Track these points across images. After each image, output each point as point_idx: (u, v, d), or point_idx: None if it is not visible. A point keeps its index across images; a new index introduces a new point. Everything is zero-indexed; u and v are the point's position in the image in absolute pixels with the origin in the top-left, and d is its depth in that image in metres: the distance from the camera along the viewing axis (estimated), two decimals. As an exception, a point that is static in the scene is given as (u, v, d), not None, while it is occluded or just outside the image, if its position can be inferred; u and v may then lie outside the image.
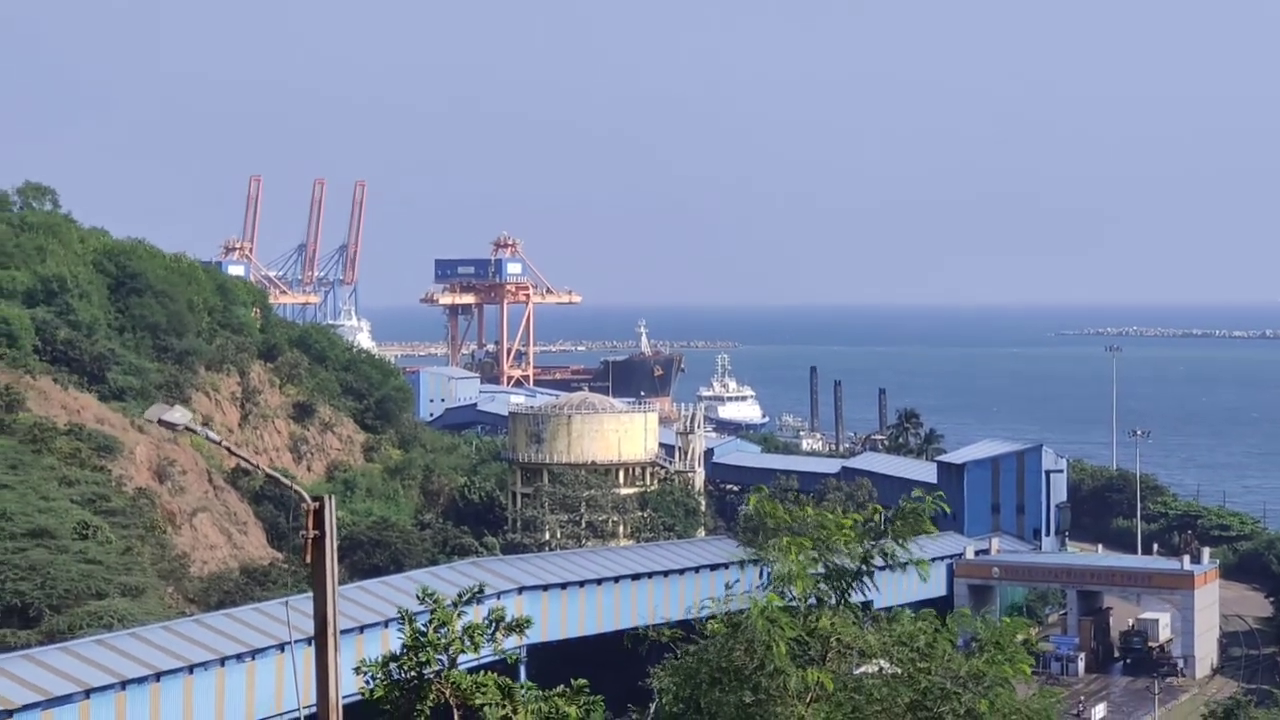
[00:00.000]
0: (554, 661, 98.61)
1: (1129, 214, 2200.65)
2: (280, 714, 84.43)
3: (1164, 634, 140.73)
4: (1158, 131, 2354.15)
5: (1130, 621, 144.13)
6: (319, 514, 19.89)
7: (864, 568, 23.84)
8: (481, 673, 25.33)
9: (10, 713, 71.16)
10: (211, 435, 21.24)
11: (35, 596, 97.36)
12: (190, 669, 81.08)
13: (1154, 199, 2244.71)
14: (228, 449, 20.86)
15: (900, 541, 24.29)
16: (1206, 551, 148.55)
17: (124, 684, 77.35)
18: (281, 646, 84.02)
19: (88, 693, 75.49)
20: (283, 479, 21.38)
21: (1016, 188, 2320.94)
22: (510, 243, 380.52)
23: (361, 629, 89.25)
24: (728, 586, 23.72)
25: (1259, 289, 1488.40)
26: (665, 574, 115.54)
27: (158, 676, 79.27)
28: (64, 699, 74.32)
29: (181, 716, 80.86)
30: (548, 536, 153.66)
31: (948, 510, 26.28)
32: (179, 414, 20.12)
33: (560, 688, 25.73)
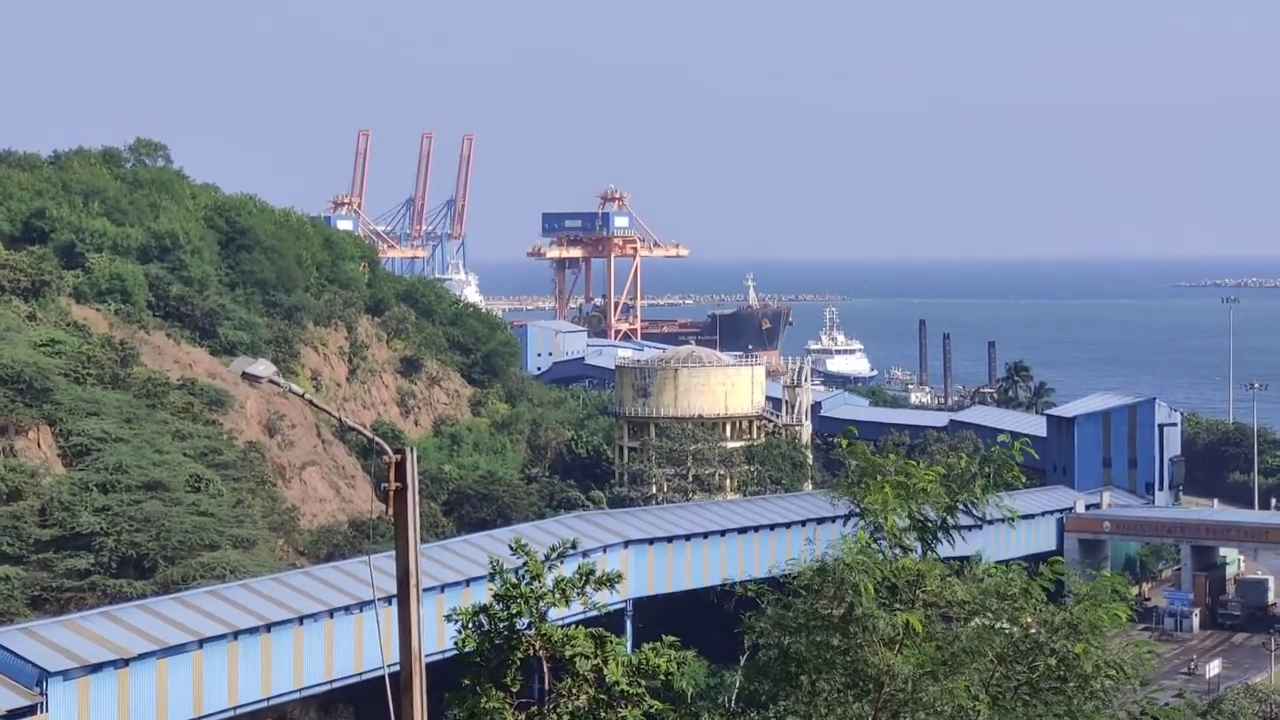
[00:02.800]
0: (660, 614, 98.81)
1: (1243, 163, 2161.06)
2: (385, 666, 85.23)
3: (1272, 595, 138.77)
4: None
5: (1230, 586, 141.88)
6: (400, 466, 19.80)
7: (948, 519, 23.45)
8: (574, 626, 25.33)
9: (126, 661, 72.43)
10: (295, 389, 21.23)
11: (150, 548, 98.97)
12: (300, 620, 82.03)
13: (1269, 146, 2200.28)
14: (310, 401, 20.82)
15: (985, 492, 23.86)
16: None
17: (236, 634, 78.48)
18: (391, 599, 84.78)
19: (201, 643, 76.67)
20: (364, 430, 21.34)
21: (1135, 134, 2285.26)
22: (617, 196, 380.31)
23: (468, 582, 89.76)
24: (807, 541, 23.52)
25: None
26: (771, 528, 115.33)
27: (269, 627, 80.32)
28: (178, 648, 75.53)
29: (292, 666, 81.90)
30: (654, 490, 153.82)
31: (1035, 455, 25.81)
32: (262, 367, 20.10)
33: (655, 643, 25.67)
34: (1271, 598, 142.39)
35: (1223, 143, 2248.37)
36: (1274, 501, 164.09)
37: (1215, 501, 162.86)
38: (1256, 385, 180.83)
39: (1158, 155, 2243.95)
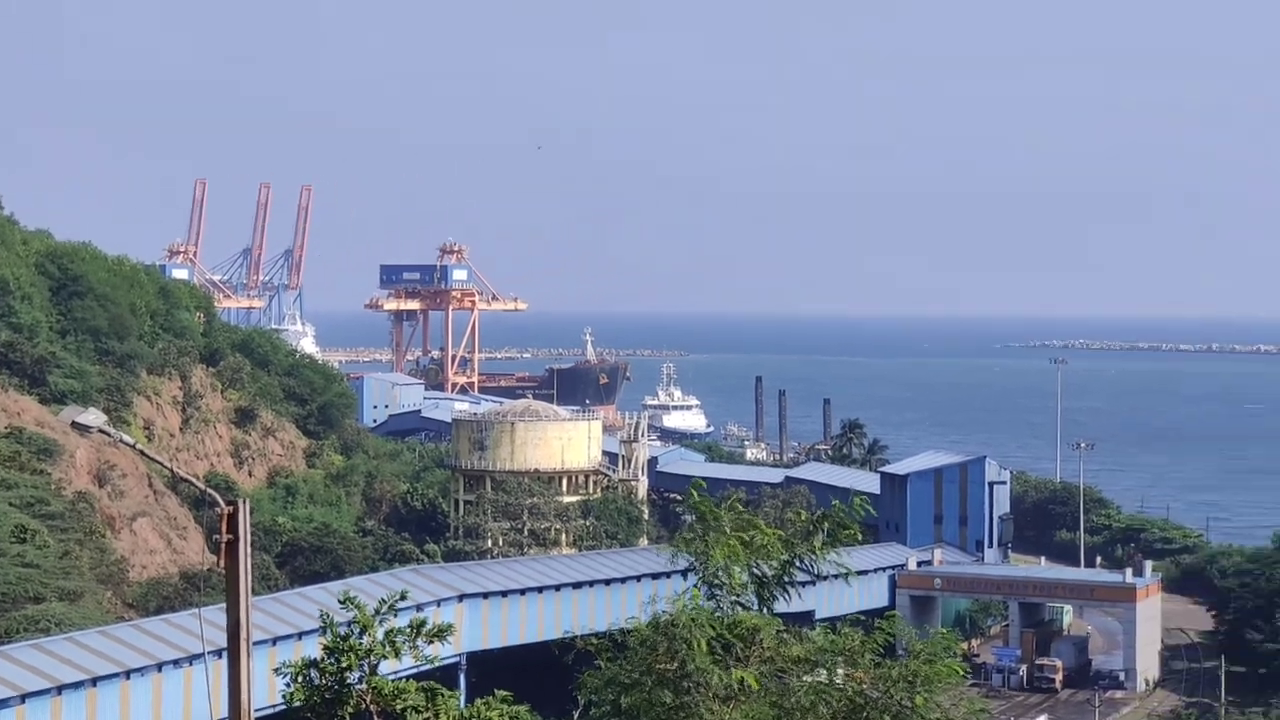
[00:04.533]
0: (495, 668, 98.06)
1: (1075, 228, 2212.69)
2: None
3: (1076, 661, 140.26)
4: (1106, 143, 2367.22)
5: (1039, 652, 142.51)
6: (232, 518, 19.45)
7: (785, 576, 23.56)
8: (406, 680, 25.06)
9: (-56, 717, 70.32)
10: (126, 438, 20.77)
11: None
12: (127, 674, 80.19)
13: (1100, 213, 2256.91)
14: (141, 451, 20.40)
15: (821, 549, 24.02)
16: (1149, 565, 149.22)
17: (60, 689, 76.45)
18: (221, 653, 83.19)
19: (23, 697, 74.58)
20: (196, 482, 20.95)
21: (962, 202, 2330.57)
22: (456, 249, 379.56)
23: (300, 635, 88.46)
24: (649, 598, 23.48)
25: (1206, 303, 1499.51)
26: (607, 582, 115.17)
27: (94, 681, 78.37)
28: (-2, 704, 73.41)
29: (116, 723, 79.94)
30: (490, 544, 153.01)
31: (873, 513, 26.06)
32: (92, 416, 19.65)
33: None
34: (1094, 654, 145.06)
35: (1048, 208, 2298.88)
36: (1099, 559, 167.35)
37: (1042, 559, 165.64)
38: (1083, 445, 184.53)
39: (984, 218, 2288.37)
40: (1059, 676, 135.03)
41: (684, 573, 24.69)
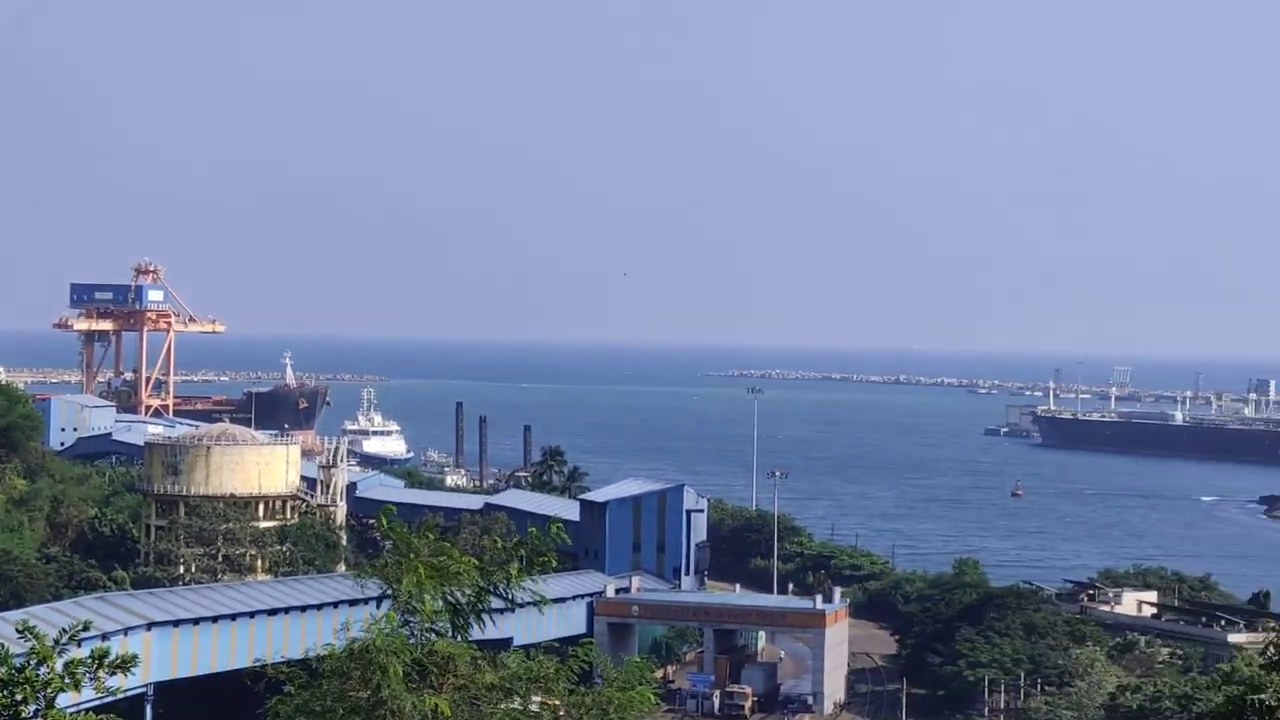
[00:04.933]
0: (186, 699, 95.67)
1: (765, 257, 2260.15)
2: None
3: (765, 686, 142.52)
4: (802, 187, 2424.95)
5: (732, 678, 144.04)
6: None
7: (481, 603, 23.42)
8: (87, 713, 24.16)
9: None
10: None
11: None
12: None
13: (780, 246, 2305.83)
14: None
15: (518, 576, 23.94)
16: (838, 591, 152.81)
17: None
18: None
19: None
20: None
21: (667, 230, 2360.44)
22: (152, 269, 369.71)
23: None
24: (341, 625, 23.13)
25: (892, 337, 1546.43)
26: (303, 609, 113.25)
27: None
28: None
29: None
30: (182, 570, 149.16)
31: (568, 540, 26.11)
32: None
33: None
34: (785, 678, 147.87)
35: (745, 240, 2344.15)
36: (791, 586, 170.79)
37: (737, 586, 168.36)
38: (777, 474, 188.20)
39: (681, 251, 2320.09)
40: (748, 703, 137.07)
41: (379, 599, 24.34)
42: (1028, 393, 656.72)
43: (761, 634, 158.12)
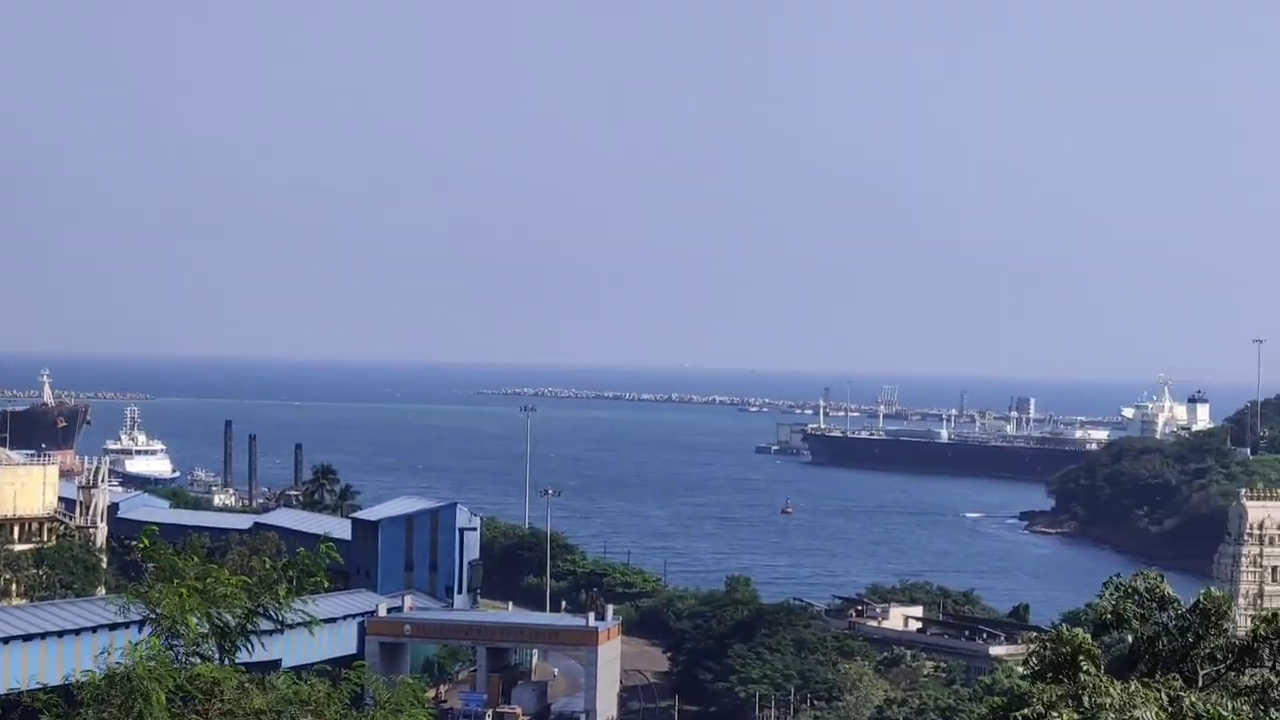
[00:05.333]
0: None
1: (540, 280, 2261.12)
2: None
3: (535, 706, 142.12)
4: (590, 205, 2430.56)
5: (505, 696, 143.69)
6: None
7: (249, 625, 22.84)
8: None
9: None
10: None
11: None
12: None
13: (552, 264, 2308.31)
14: None
15: (287, 597, 23.40)
16: (610, 608, 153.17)
17: None
18: None
19: None
20: None
21: (452, 251, 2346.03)
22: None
23: None
24: (108, 650, 22.38)
25: (664, 356, 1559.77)
26: (60, 634, 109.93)
27: None
28: None
29: None
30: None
31: (340, 560, 25.62)
32: None
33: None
34: (558, 696, 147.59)
35: (516, 259, 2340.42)
36: (564, 604, 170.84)
37: (510, 604, 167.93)
38: (550, 492, 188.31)
39: (453, 271, 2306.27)
40: None
41: (141, 624, 23.58)
42: (798, 411, 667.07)
43: (535, 652, 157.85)
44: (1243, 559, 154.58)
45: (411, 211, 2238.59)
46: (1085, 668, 23.90)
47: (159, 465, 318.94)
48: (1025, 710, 23.48)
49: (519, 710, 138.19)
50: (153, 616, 22.81)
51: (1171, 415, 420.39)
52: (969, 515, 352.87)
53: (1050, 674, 25.05)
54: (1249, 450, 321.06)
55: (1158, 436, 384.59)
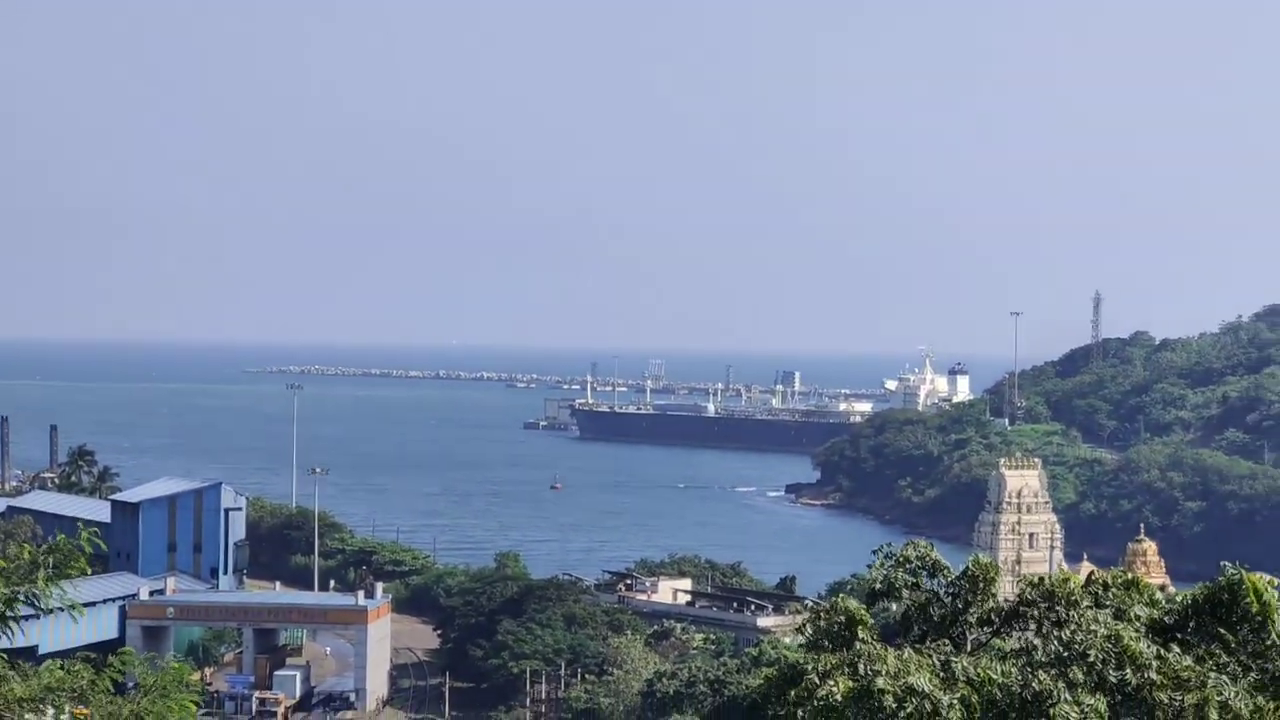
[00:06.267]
0: None
1: (304, 255, 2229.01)
2: None
3: (299, 690, 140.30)
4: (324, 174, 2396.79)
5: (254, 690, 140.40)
6: None
7: (9, 612, 21.97)
8: None
9: None
10: None
11: None
12: None
13: (319, 240, 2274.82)
14: None
15: (45, 584, 22.56)
16: (380, 586, 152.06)
17: None
18: None
19: None
20: None
21: (213, 230, 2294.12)
22: None
23: None
24: None
25: (433, 333, 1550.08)
26: None
27: None
28: None
29: None
30: None
31: (104, 546, 24.83)
32: None
33: None
34: (328, 675, 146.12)
35: (280, 236, 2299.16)
36: (332, 583, 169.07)
37: (277, 584, 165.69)
38: (318, 470, 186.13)
39: (214, 247, 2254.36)
40: (281, 709, 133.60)
41: None
42: (565, 386, 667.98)
43: (304, 632, 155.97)
44: (1002, 526, 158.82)
45: (199, 190, 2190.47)
46: (860, 636, 24.18)
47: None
48: (803, 681, 23.66)
49: (281, 697, 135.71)
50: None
51: (933, 387, 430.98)
52: (736, 489, 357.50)
53: (825, 644, 25.29)
54: (1007, 421, 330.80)
55: (920, 408, 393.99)
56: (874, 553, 27.62)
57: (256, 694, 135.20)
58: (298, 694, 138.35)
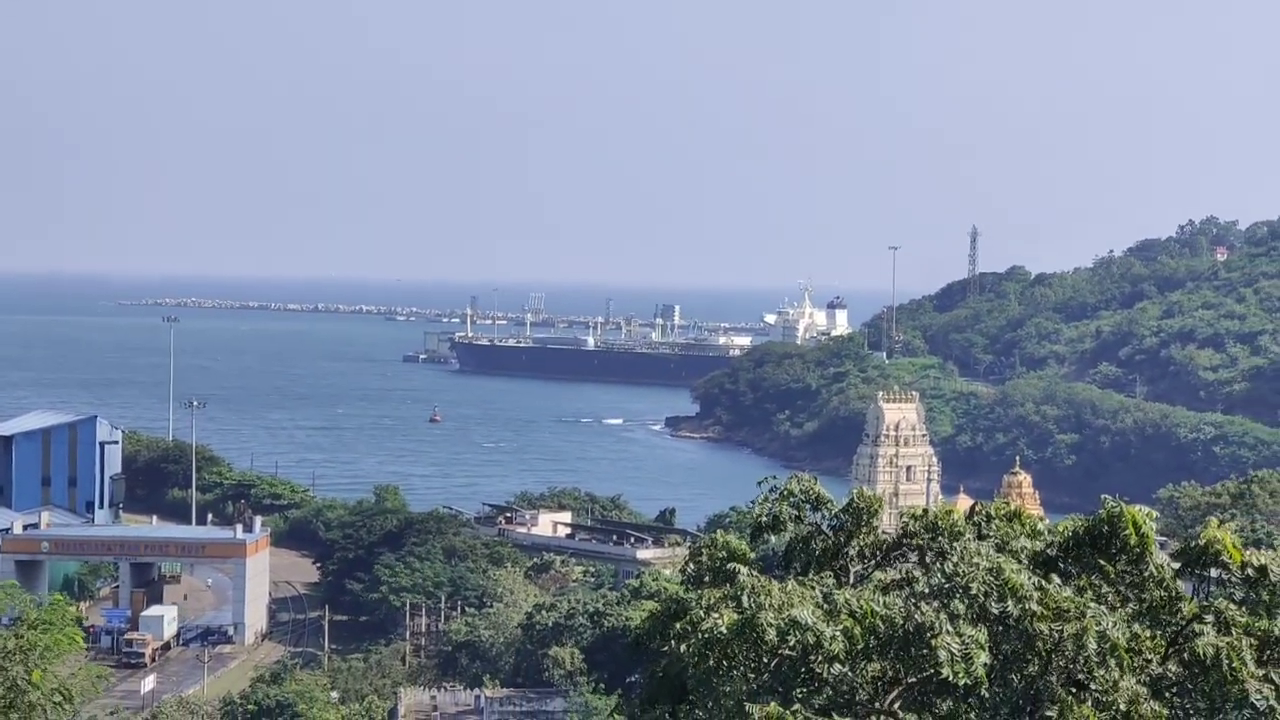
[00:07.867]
0: None
1: (174, 185, 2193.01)
2: None
3: (168, 630, 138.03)
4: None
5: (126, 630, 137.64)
6: None
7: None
8: None
9: None
10: None
11: None
12: None
13: (185, 169, 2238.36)
14: None
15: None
16: (259, 520, 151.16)
17: None
18: None
19: None
20: None
21: (67, 151, 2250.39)
22: None
23: None
24: None
25: (311, 265, 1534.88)
26: None
27: None
28: None
29: None
30: None
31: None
32: None
33: None
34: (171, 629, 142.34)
35: (143, 163, 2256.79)
36: (210, 516, 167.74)
37: (154, 518, 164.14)
38: (195, 403, 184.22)
39: (62, 170, 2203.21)
40: (149, 650, 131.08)
41: None
42: (445, 319, 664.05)
43: (181, 565, 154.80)
44: (879, 459, 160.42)
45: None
46: (743, 570, 24.36)
47: None
48: (687, 615, 23.82)
49: (149, 638, 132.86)
50: None
51: (811, 321, 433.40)
52: (615, 421, 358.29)
53: (707, 579, 25.46)
54: (885, 354, 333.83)
55: (799, 342, 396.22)
56: (758, 484, 27.74)
57: (125, 635, 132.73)
58: (165, 634, 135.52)
